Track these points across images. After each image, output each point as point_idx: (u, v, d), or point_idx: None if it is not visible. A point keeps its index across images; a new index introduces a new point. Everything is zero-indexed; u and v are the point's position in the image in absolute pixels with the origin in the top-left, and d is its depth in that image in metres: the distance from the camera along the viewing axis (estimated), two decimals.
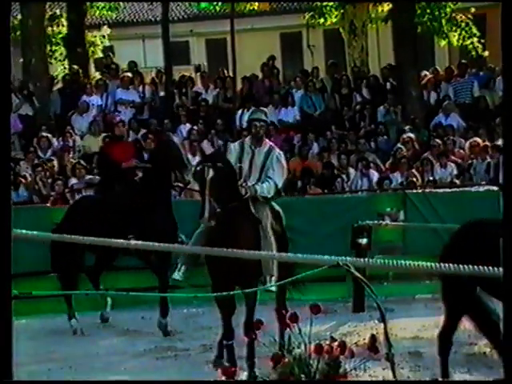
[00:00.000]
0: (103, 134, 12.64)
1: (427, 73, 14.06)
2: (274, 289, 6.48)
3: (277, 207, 6.87)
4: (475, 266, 4.51)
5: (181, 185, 11.59)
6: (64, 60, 15.43)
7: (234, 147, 6.76)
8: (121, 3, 17.27)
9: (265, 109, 7.43)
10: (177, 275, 6.68)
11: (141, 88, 13.75)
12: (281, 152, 6.81)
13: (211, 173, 6.17)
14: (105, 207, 8.35)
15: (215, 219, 6.10)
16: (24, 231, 4.75)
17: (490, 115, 12.96)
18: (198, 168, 6.40)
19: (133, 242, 6.19)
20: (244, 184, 6.51)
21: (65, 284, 8.36)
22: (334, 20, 16.11)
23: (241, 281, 6.30)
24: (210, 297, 7.33)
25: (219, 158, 6.51)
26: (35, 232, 5.28)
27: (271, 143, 6.88)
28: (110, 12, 16.70)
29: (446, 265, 4.78)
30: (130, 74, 13.89)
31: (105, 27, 16.39)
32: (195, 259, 6.70)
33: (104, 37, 16.17)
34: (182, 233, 8.28)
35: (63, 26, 15.39)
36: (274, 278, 6.36)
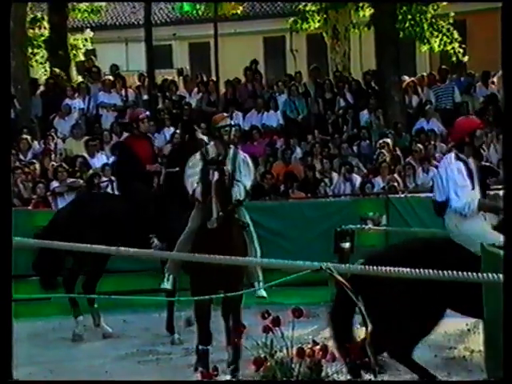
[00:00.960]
0: (85, 137, 12.61)
1: (407, 78, 14.17)
2: (265, 294, 6.47)
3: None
4: (456, 272, 4.53)
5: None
6: (45, 63, 15.37)
7: (195, 162, 6.62)
8: (103, 6, 17.19)
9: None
10: (166, 284, 6.63)
11: (123, 91, 13.72)
12: (246, 155, 6.79)
13: (216, 176, 6.20)
14: (128, 206, 8.08)
15: (217, 222, 6.13)
16: (26, 239, 4.69)
17: None
18: (200, 171, 6.41)
19: (122, 248, 5.99)
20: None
21: (65, 286, 8.22)
22: (317, 25, 16.18)
23: (225, 286, 6.29)
24: (192, 300, 7.32)
25: (221, 161, 6.48)
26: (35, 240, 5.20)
27: (234, 148, 6.82)
28: (92, 15, 16.67)
29: (426, 271, 4.81)
30: (111, 78, 13.86)
31: (87, 30, 16.36)
32: (181, 266, 6.64)
33: (86, 40, 16.13)
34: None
35: (45, 28, 15.33)
36: (261, 284, 6.38)
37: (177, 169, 7.82)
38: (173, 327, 7.96)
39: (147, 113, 8.86)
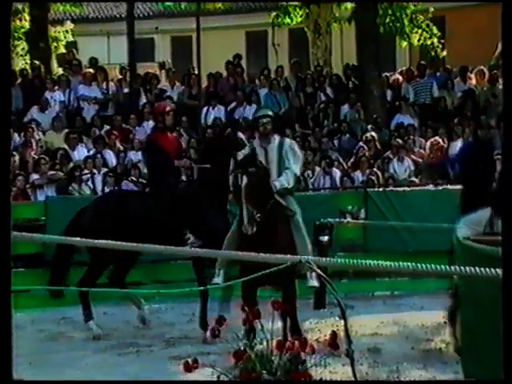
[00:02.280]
0: (66, 130, 12.57)
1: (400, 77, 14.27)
2: (316, 284, 6.40)
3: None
4: (434, 265, 4.60)
5: (144, 181, 11.44)
6: (26, 55, 15.27)
7: (244, 153, 6.73)
8: None
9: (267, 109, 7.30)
10: (216, 279, 6.56)
11: (104, 84, 13.69)
12: (292, 141, 6.83)
13: (245, 179, 6.16)
14: (157, 202, 7.83)
15: (255, 225, 6.05)
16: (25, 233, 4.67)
17: (448, 116, 13.22)
18: (232, 174, 6.37)
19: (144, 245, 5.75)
20: None
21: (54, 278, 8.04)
22: (299, 19, 16.22)
23: (274, 282, 6.20)
24: (172, 293, 7.36)
25: (251, 162, 6.38)
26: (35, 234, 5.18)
27: (280, 136, 6.82)
28: (73, 8, 16.58)
29: (404, 264, 4.88)
30: (92, 70, 13.81)
31: (68, 22, 16.26)
32: (233, 262, 6.48)
33: (67, 32, 16.04)
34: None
35: (26, 20, 15.23)
36: (313, 274, 6.22)
37: (208, 165, 7.70)
38: (206, 324, 7.52)
39: (172, 105, 8.58)
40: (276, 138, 6.69)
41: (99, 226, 7.68)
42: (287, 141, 6.71)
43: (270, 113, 6.80)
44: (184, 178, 8.31)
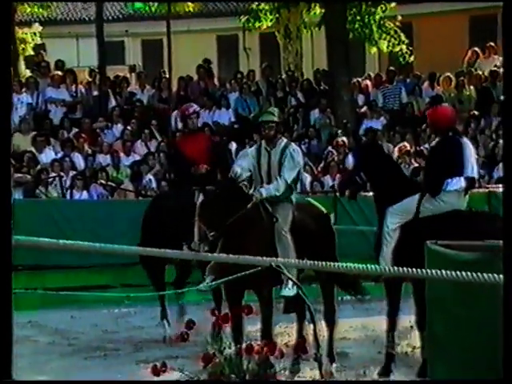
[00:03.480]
0: (33, 133, 12.44)
1: (359, 79, 14.39)
2: (292, 293, 6.31)
3: (319, 208, 6.81)
4: (400, 268, 4.66)
5: (113, 184, 11.34)
6: None
7: (250, 152, 6.70)
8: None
9: (275, 109, 7.16)
10: (202, 286, 6.42)
11: (73, 87, 13.58)
12: (296, 148, 6.71)
13: (201, 197, 6.12)
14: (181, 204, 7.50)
15: (208, 244, 5.91)
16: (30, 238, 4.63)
17: (416, 121, 13.38)
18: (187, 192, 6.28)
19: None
20: (251, 191, 6.38)
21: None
22: (270, 24, 16.28)
23: (253, 286, 6.15)
24: (141, 297, 7.33)
25: (210, 179, 6.30)
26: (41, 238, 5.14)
27: (286, 140, 6.77)
28: (41, 10, 16.42)
29: (373, 266, 4.93)
30: (60, 73, 13.70)
31: (36, 25, 16.10)
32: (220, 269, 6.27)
33: (35, 34, 15.89)
34: (117, 234, 8.14)
35: None
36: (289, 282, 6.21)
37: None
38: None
39: (195, 107, 8.16)
40: (282, 142, 6.64)
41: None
42: (291, 147, 6.61)
43: (275, 117, 6.68)
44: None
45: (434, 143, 6.94)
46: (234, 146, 7.65)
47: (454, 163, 6.46)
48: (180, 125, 8.14)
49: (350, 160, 6.56)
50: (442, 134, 6.68)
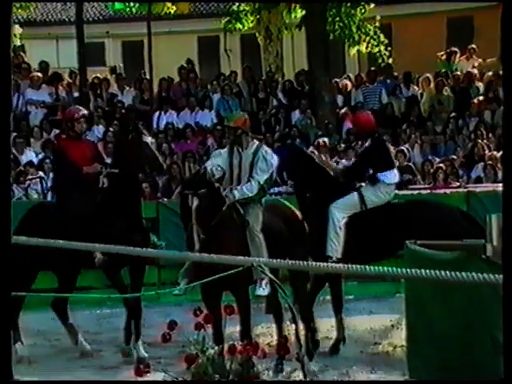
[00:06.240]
0: (13, 134, 12.39)
1: (348, 82, 14.46)
2: (265, 292, 6.39)
3: (291, 208, 6.86)
4: (381, 267, 4.71)
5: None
6: None
7: (222, 153, 6.74)
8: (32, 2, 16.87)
9: (237, 113, 7.19)
10: (177, 291, 6.42)
11: (53, 89, 13.54)
12: (267, 149, 6.75)
13: (195, 202, 6.06)
14: (63, 215, 7.35)
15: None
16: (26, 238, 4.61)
17: (395, 121, 13.50)
18: (179, 195, 6.26)
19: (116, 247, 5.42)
20: (224, 192, 6.42)
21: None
22: (250, 25, 16.32)
23: (229, 286, 6.21)
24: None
25: (200, 182, 6.25)
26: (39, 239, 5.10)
27: (258, 142, 6.83)
28: (20, 10, 16.33)
29: (354, 266, 4.98)
30: (40, 74, 13.65)
31: (16, 26, 15.99)
32: (196, 272, 6.30)
33: (15, 35, 15.79)
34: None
35: None
36: (263, 282, 6.27)
37: (116, 170, 7.32)
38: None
39: (84, 112, 7.99)
40: (254, 144, 6.68)
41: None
42: (263, 149, 6.66)
43: (232, 122, 6.73)
44: (106, 184, 7.56)
45: (367, 144, 7.58)
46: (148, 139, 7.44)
47: (386, 160, 7.45)
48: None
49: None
50: (369, 136, 7.51)
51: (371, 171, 7.40)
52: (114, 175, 7.34)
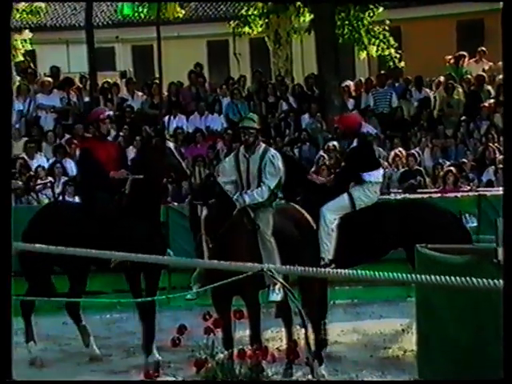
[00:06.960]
0: (24, 139, 12.45)
1: (351, 83, 14.44)
2: (279, 298, 6.36)
3: (302, 212, 6.86)
4: (391, 273, 4.69)
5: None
6: None
7: (228, 160, 6.74)
8: (43, 7, 16.93)
9: (254, 115, 7.18)
10: (189, 295, 6.43)
11: (65, 93, 13.59)
12: (275, 153, 6.71)
13: (205, 211, 6.06)
14: (84, 215, 7.39)
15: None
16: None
17: (405, 125, 13.46)
18: (188, 204, 6.26)
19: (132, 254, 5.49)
20: (235, 197, 6.41)
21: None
22: (259, 29, 16.33)
23: (240, 291, 6.20)
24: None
25: (210, 192, 6.31)
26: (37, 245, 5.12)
27: (264, 145, 6.79)
28: (31, 16, 16.40)
29: (363, 272, 4.96)
30: (50, 79, 13.71)
31: (26, 31, 16.07)
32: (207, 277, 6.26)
33: (25, 41, 15.87)
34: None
35: None
36: (276, 288, 6.26)
37: (141, 176, 7.29)
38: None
39: (109, 112, 8.00)
40: (261, 148, 6.65)
41: (33, 240, 6.93)
42: (270, 152, 6.62)
43: (255, 123, 6.70)
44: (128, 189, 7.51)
45: (353, 145, 7.67)
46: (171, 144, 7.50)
47: (372, 159, 7.69)
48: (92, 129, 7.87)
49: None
50: (354, 137, 7.67)
51: (358, 171, 7.49)
52: (139, 181, 7.32)
